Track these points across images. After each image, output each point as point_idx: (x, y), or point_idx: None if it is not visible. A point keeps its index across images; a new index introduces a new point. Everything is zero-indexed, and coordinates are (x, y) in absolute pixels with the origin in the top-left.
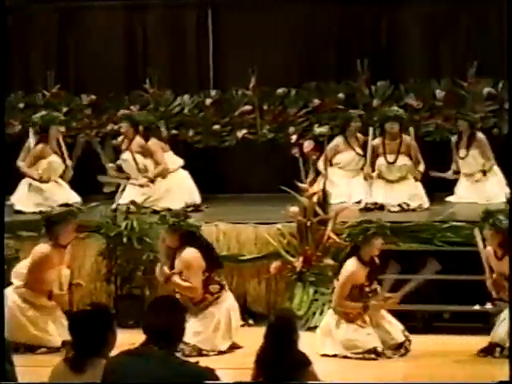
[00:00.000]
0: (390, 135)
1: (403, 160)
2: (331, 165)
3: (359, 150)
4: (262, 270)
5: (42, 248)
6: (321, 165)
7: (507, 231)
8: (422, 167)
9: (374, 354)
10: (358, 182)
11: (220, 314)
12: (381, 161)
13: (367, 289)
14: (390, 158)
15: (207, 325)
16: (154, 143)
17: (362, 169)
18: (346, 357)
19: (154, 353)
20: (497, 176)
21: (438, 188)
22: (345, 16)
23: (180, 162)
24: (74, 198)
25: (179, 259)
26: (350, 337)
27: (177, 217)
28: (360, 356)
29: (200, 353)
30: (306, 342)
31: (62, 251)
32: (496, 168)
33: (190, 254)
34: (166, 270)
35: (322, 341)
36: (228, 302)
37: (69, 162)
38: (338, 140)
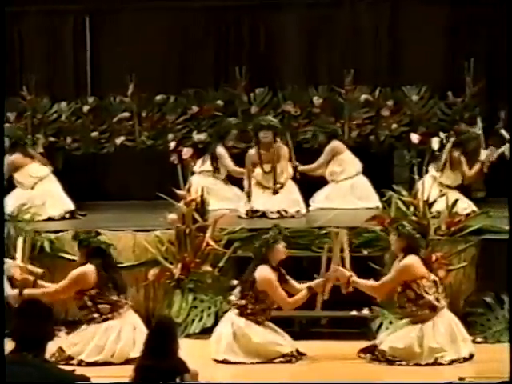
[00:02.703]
0: (264, 144)
1: (279, 168)
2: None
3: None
4: (140, 277)
5: None
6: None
7: (410, 237)
8: (290, 174)
9: (292, 357)
10: (235, 190)
11: (122, 327)
12: (257, 170)
13: None
14: (266, 167)
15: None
16: (14, 158)
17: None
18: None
19: (28, 360)
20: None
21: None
22: (222, 22)
23: (46, 170)
24: None
25: None
26: (269, 339)
27: (88, 233)
28: (277, 360)
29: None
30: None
31: None
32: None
33: (82, 269)
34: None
35: (224, 346)
36: (132, 320)
37: None
38: (221, 149)
